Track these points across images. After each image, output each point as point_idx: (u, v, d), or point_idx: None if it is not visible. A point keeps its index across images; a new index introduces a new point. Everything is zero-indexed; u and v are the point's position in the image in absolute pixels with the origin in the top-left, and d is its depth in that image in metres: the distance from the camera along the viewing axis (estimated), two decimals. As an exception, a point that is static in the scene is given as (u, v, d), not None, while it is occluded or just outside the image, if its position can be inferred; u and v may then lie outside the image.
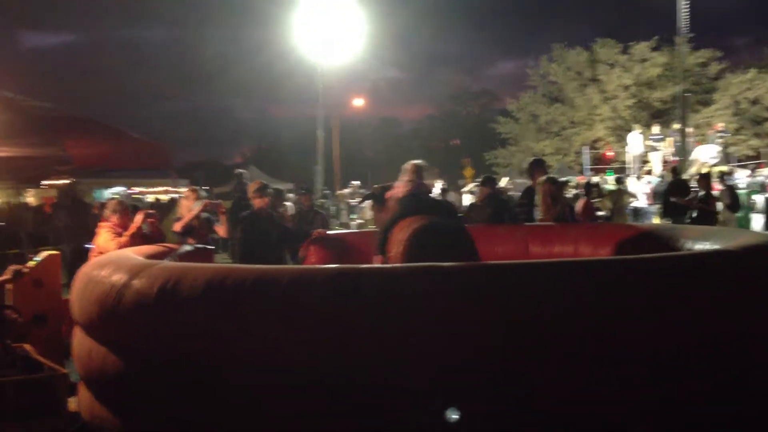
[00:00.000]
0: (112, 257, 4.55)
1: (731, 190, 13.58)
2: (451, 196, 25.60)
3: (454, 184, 31.86)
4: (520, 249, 7.03)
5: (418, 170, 5.55)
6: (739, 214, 13.28)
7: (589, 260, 4.71)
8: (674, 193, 13.22)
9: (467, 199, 19.55)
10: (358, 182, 21.25)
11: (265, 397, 3.30)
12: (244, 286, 3.37)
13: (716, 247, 4.65)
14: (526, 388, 3.14)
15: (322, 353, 3.19)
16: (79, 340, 4.36)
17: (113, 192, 21.09)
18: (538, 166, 9.28)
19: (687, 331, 3.32)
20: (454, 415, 3.03)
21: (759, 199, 14.13)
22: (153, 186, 25.76)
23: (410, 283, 3.24)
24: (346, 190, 20.52)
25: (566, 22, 70.35)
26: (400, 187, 5.50)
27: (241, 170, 14.97)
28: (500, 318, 3.10)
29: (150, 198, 23.37)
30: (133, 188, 24.36)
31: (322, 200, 18.24)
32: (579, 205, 11.43)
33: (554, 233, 7.25)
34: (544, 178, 8.36)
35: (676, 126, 23.40)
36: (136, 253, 4.77)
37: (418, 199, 5.36)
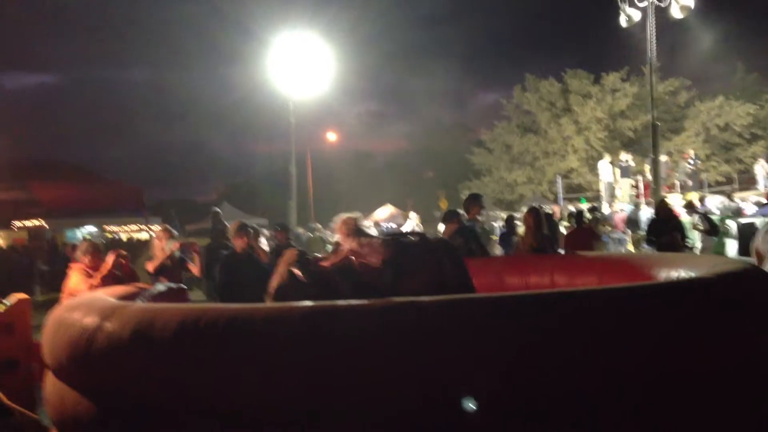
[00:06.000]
0: (83, 299, 4.48)
1: (706, 216, 13.76)
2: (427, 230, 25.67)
3: (429, 217, 31.94)
4: (496, 281, 7.02)
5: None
6: (714, 240, 13.40)
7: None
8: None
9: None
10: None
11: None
12: (217, 326, 3.32)
13: (691, 274, 4.66)
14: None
15: (297, 393, 3.11)
16: (51, 385, 4.26)
17: (85, 232, 20.86)
18: (474, 201, 8.91)
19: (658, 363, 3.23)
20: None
21: (733, 225, 14.26)
22: (125, 224, 25.55)
23: (383, 320, 3.18)
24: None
25: (540, 53, 71.59)
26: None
27: (217, 208, 14.93)
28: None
29: (123, 237, 23.15)
30: (105, 227, 24.15)
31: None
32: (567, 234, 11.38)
33: (530, 264, 7.27)
34: (524, 209, 8.36)
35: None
36: (108, 295, 4.70)
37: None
